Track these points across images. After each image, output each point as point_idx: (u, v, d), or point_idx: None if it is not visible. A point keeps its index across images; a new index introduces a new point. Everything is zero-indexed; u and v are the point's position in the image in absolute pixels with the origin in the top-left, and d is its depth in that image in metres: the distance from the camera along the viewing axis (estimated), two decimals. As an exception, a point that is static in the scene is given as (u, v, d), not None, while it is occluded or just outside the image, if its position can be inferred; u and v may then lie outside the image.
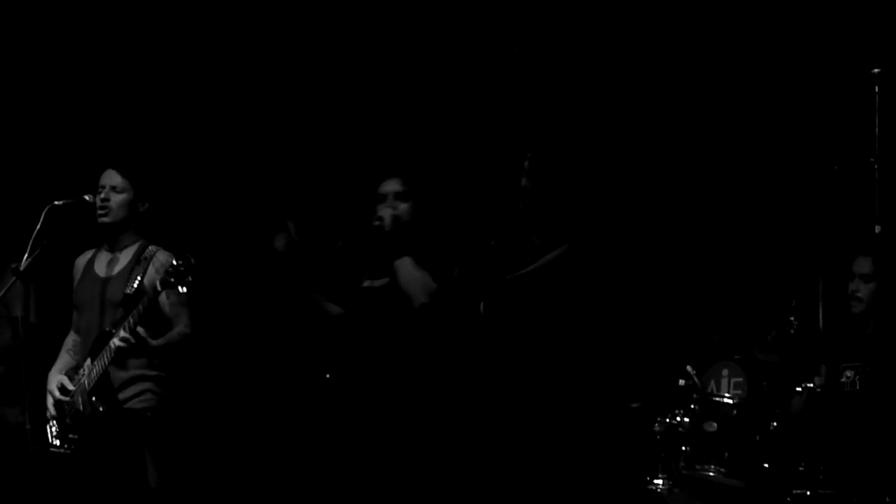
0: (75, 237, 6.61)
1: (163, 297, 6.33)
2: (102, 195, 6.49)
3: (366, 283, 6.60)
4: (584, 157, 5.63)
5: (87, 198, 6.46)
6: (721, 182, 7.20)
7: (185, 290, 6.04)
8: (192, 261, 6.06)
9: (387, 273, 6.49)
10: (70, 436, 6.36)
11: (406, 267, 6.35)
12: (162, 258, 6.40)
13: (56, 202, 6.38)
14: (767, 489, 6.32)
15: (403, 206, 6.49)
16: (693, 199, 7.28)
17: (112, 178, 6.52)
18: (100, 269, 6.56)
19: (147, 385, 6.41)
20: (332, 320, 6.51)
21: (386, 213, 6.45)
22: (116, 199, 6.49)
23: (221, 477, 7.22)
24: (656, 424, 6.52)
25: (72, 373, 6.45)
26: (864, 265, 6.46)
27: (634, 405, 6.64)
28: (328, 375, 6.68)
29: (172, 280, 6.04)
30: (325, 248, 6.70)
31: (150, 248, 6.50)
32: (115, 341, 6.13)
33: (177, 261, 6.06)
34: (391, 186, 6.54)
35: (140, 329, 6.15)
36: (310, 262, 6.28)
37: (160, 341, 6.29)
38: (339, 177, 7.55)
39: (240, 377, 7.19)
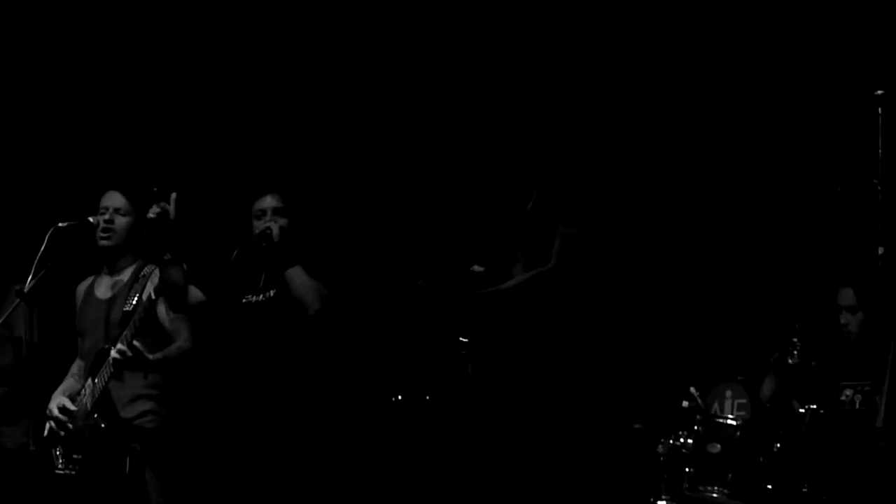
0: (79, 259, 6.61)
1: (162, 312, 6.33)
2: (106, 217, 6.47)
3: (246, 300, 6.70)
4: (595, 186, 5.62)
5: (90, 220, 6.46)
6: (724, 202, 7.20)
7: None
8: (185, 268, 6.07)
9: (272, 286, 6.61)
10: (74, 456, 6.35)
11: (299, 275, 6.50)
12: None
13: (60, 224, 6.37)
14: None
15: (282, 222, 6.63)
16: (696, 219, 7.28)
17: (116, 199, 6.50)
18: (101, 292, 6.55)
19: (149, 405, 6.39)
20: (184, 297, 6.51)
21: (273, 225, 6.58)
22: (121, 221, 6.49)
23: (224, 493, 7.20)
24: (660, 446, 6.52)
25: (75, 396, 6.44)
26: (847, 297, 6.52)
27: (638, 426, 6.64)
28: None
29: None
30: (219, 259, 6.77)
31: (148, 266, 6.49)
32: (112, 353, 6.12)
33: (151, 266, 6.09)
34: (269, 202, 6.68)
35: (136, 342, 6.13)
36: (179, 235, 6.28)
37: (158, 355, 6.26)
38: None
39: (239, 390, 7.18)
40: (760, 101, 7.11)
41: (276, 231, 6.58)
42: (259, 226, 6.67)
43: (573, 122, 5.39)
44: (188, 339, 6.40)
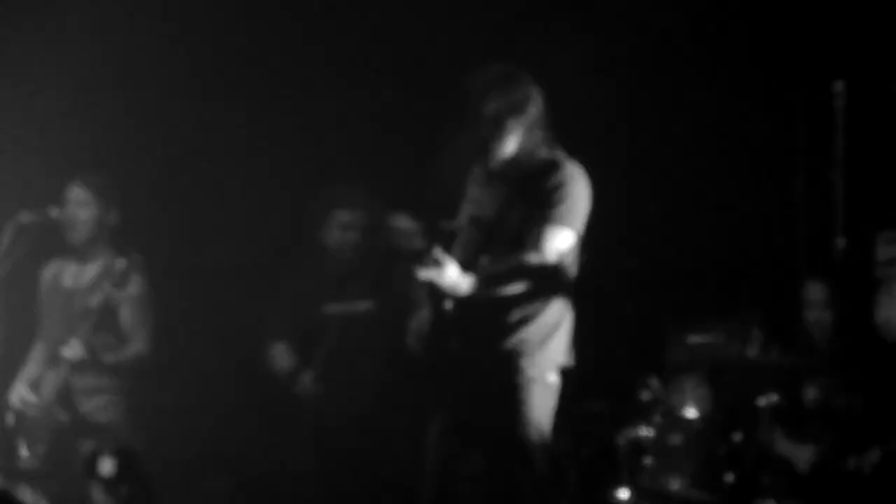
0: (42, 252, 6.60)
1: (125, 313, 6.34)
2: (68, 212, 6.48)
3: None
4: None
5: (52, 212, 6.45)
6: (684, 196, 7.21)
7: (132, 290, 6.08)
8: (141, 260, 6.09)
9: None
10: (35, 447, 6.34)
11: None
12: None
13: (21, 216, 6.38)
14: (731, 502, 6.36)
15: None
16: (656, 210, 7.29)
17: (76, 193, 6.51)
18: (67, 280, 6.56)
19: (108, 397, 6.41)
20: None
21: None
22: (82, 214, 6.48)
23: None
24: (620, 437, 6.54)
25: (37, 384, 6.44)
26: (818, 291, 6.47)
27: (598, 415, 6.70)
28: None
29: (122, 280, 6.08)
30: None
31: (118, 261, 6.46)
32: (66, 352, 6.15)
33: (123, 260, 6.10)
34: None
35: (95, 342, 6.16)
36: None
37: (111, 358, 6.30)
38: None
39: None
40: (720, 93, 7.11)
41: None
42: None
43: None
44: (145, 343, 6.43)
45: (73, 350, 6.16)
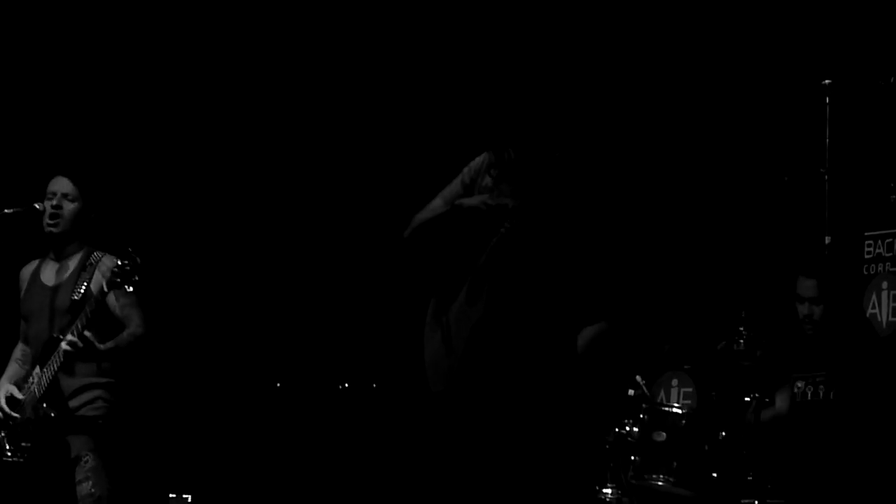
0: (24, 245, 6.59)
1: (112, 300, 6.29)
2: (54, 202, 6.43)
3: None
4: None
5: (36, 206, 6.42)
6: (670, 193, 7.21)
7: (131, 288, 6.02)
8: (138, 260, 6.03)
9: None
10: (22, 444, 6.33)
11: None
12: (108, 262, 6.29)
13: (5, 210, 6.36)
14: (716, 499, 6.35)
15: None
16: (643, 207, 7.28)
17: (64, 185, 6.45)
18: (47, 277, 6.52)
19: (98, 392, 6.38)
20: None
21: None
22: (69, 207, 6.44)
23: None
24: (606, 434, 6.54)
25: (21, 382, 6.43)
26: (810, 288, 6.46)
27: (586, 414, 6.67)
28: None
29: (119, 280, 6.00)
30: None
31: (95, 253, 6.43)
32: (63, 345, 6.10)
33: (121, 261, 6.02)
34: None
35: (87, 332, 6.11)
36: None
37: (109, 344, 6.24)
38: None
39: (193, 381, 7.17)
40: (708, 90, 7.11)
41: None
42: None
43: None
44: (140, 325, 6.37)
45: (70, 340, 6.12)
